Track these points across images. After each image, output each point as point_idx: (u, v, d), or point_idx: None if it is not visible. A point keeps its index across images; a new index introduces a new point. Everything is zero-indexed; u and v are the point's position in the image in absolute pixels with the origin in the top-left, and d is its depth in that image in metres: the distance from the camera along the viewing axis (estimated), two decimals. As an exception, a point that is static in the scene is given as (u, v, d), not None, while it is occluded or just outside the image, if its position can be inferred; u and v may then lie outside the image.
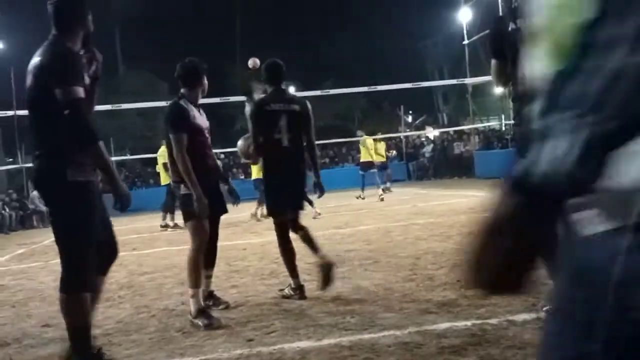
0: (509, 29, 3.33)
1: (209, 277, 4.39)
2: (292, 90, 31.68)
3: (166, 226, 11.77)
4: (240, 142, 4.85)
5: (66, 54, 2.93)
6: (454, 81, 16.55)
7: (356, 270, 5.41)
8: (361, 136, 15.39)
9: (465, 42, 21.29)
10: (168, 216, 11.86)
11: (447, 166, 23.26)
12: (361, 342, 3.27)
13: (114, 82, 29.55)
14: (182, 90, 4.17)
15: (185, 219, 4.08)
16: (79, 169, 2.88)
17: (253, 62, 5.08)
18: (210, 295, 4.38)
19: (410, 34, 31.25)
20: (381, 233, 7.86)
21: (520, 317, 3.38)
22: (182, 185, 4.02)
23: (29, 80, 2.99)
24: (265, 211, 11.92)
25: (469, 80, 18.18)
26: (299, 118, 4.46)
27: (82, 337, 2.96)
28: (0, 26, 21.77)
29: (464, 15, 21.67)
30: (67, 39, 3.03)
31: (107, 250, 3.16)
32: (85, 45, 3.15)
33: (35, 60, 2.97)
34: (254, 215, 11.83)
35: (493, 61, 3.51)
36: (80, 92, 2.85)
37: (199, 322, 3.85)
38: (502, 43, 3.40)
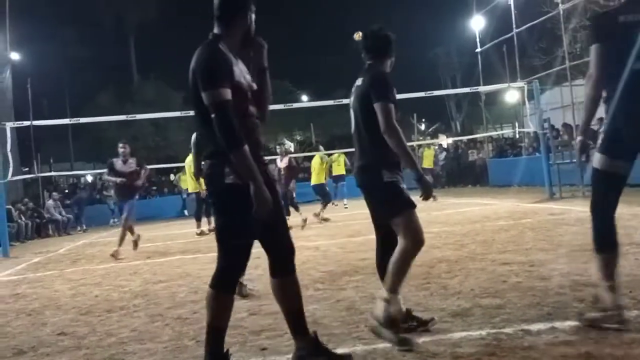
0: (623, 19, 3.19)
1: None
2: (304, 99, 31.78)
3: (202, 233, 11.89)
4: None
5: (207, 58, 2.84)
6: (467, 89, 16.56)
7: (369, 279, 5.39)
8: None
9: (478, 50, 21.21)
10: (204, 221, 12.24)
11: (461, 174, 23.15)
12: (375, 351, 3.26)
13: (128, 92, 29.80)
14: (369, 63, 3.65)
15: (396, 212, 3.44)
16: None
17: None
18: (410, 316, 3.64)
19: (422, 42, 31.30)
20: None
21: (536, 326, 3.35)
22: (384, 171, 3.45)
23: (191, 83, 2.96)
24: (323, 214, 12.43)
25: (482, 89, 18.07)
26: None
27: (216, 336, 2.92)
28: (16, 38, 22.05)
29: (477, 23, 21.60)
30: (227, 34, 2.94)
31: (285, 249, 3.08)
32: (247, 39, 3.04)
33: (192, 63, 2.92)
34: (317, 215, 12.55)
35: (595, 45, 3.28)
36: (227, 93, 2.75)
37: (389, 334, 3.30)
38: (610, 28, 3.22)
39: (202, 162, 3.00)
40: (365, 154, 3.54)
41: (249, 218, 2.83)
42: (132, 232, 9.71)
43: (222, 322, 2.93)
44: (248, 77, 2.99)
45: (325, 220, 12.45)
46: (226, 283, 2.95)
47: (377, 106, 3.38)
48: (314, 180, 13.17)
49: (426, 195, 3.45)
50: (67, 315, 5.11)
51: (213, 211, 3.04)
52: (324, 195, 12.97)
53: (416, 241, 3.39)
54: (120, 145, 9.73)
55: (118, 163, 9.55)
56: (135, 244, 9.76)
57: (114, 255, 9.11)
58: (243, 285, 5.23)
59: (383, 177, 3.43)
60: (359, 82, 3.61)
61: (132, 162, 9.62)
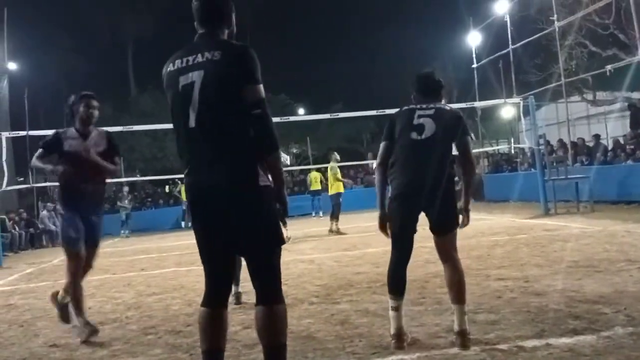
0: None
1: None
2: (301, 112, 31.85)
3: None
4: None
5: (253, 52, 2.66)
6: (463, 105, 16.55)
7: (364, 293, 5.38)
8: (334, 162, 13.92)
9: (475, 65, 21.38)
10: None
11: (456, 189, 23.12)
12: (369, 366, 3.24)
13: (125, 103, 29.82)
14: (432, 101, 3.84)
15: (455, 226, 3.70)
16: (264, 172, 2.64)
17: None
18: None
19: (419, 57, 31.47)
20: (389, 256, 7.81)
21: (530, 343, 3.35)
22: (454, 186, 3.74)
23: (194, 76, 2.63)
24: (337, 226, 12.36)
25: (478, 104, 18.16)
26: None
27: (285, 353, 2.63)
28: (14, 48, 22.10)
29: (473, 39, 21.78)
30: (223, 35, 2.81)
31: None
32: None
33: (210, 54, 2.63)
34: (333, 230, 12.43)
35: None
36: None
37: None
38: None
39: (217, 165, 2.63)
40: (437, 173, 3.58)
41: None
42: (75, 295, 4.51)
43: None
44: None
45: (339, 233, 12.27)
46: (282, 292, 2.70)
47: (466, 139, 3.63)
48: (332, 190, 13.01)
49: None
50: (59, 327, 5.07)
51: (243, 218, 2.59)
52: (336, 206, 12.73)
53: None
54: (83, 101, 4.76)
55: (70, 133, 4.66)
56: (64, 309, 4.67)
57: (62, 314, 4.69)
58: (241, 294, 5.31)
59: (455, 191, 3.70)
60: (414, 106, 3.78)
61: (98, 138, 4.71)
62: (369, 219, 15.77)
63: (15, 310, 6.14)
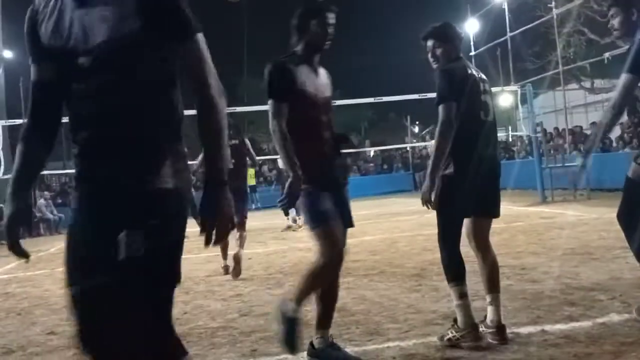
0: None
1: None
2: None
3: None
4: None
5: None
6: (460, 92, 16.58)
7: (361, 280, 5.40)
8: None
9: (472, 53, 21.30)
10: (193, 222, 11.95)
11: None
12: (365, 352, 3.26)
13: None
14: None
15: None
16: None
17: None
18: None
19: (416, 44, 31.38)
20: (387, 244, 7.84)
21: (526, 329, 3.36)
22: None
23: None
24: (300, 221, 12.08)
25: (476, 92, 18.17)
26: None
27: None
28: (9, 36, 21.93)
29: (471, 27, 21.69)
30: None
31: None
32: None
33: None
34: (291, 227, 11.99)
35: (626, 76, 3.32)
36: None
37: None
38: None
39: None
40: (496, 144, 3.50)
41: None
42: None
43: None
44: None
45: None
46: None
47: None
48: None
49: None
50: (57, 314, 5.07)
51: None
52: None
53: None
54: (317, 15, 3.16)
55: (300, 67, 3.09)
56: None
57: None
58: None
59: None
60: (474, 71, 3.54)
61: (326, 77, 3.42)
62: (367, 207, 15.80)
63: (12, 299, 6.15)
